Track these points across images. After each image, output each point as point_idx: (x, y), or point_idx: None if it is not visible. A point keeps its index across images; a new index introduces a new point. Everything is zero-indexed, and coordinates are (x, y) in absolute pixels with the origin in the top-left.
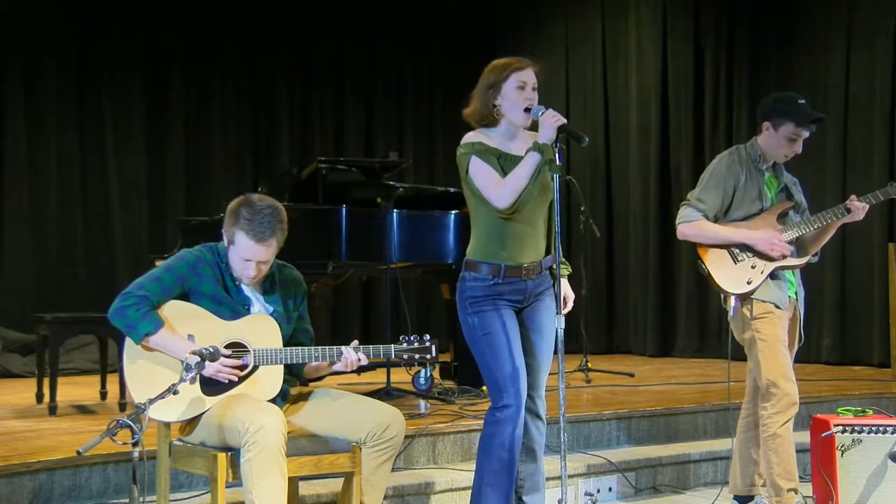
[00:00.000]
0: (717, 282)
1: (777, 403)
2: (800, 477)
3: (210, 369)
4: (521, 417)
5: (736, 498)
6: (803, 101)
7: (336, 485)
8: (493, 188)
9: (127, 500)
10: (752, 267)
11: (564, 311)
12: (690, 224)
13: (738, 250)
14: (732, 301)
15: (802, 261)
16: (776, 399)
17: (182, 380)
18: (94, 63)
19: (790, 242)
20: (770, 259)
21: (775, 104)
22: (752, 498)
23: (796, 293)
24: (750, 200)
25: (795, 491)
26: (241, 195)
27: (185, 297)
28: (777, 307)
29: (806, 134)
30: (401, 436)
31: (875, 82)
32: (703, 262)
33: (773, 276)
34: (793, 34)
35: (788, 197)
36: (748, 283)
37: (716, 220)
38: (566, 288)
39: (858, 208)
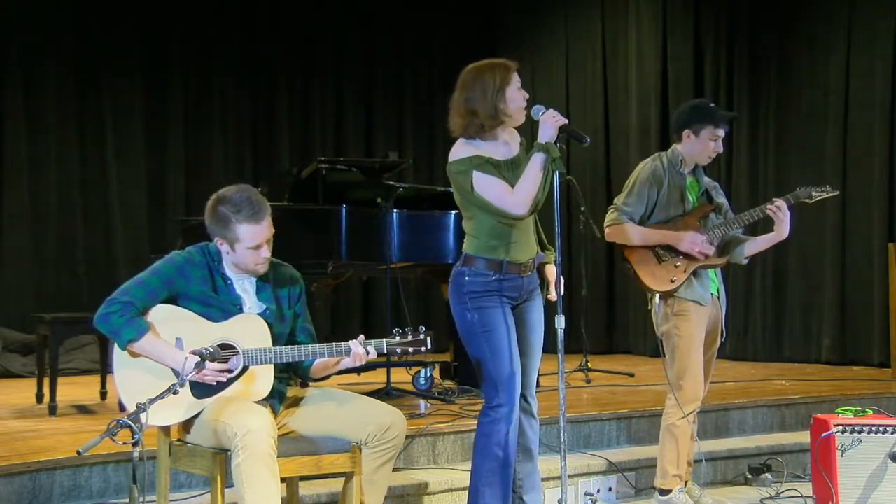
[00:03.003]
0: (642, 280)
1: (681, 397)
2: (800, 477)
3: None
4: (517, 416)
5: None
6: (714, 105)
7: (336, 485)
8: (507, 197)
9: (127, 500)
10: (676, 266)
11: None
12: (617, 227)
13: (662, 251)
14: (657, 299)
15: (722, 260)
16: (681, 393)
17: (182, 380)
18: (94, 63)
19: (711, 243)
20: (692, 259)
21: (692, 112)
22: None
23: (718, 290)
24: (673, 204)
25: (680, 477)
26: (209, 199)
27: (173, 300)
28: (699, 304)
29: (722, 133)
30: (402, 437)
31: (875, 82)
32: (628, 262)
33: (695, 274)
34: (793, 34)
35: (709, 200)
36: (672, 281)
37: (641, 222)
38: (554, 272)
39: (779, 208)
